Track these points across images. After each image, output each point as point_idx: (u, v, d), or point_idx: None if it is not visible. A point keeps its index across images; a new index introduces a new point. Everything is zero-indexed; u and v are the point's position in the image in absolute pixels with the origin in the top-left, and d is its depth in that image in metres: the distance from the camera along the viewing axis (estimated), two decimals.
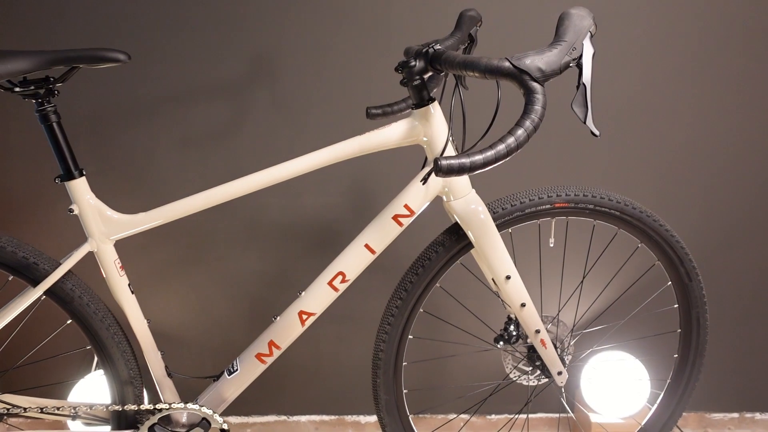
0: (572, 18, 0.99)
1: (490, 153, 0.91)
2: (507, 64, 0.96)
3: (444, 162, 0.89)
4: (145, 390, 1.31)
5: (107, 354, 1.22)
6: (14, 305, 1.15)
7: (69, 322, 1.21)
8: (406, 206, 1.25)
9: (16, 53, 1.05)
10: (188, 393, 1.36)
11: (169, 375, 1.29)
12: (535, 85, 0.94)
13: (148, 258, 1.78)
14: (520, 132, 0.91)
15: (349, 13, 1.66)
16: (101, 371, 2.04)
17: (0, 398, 1.24)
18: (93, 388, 1.80)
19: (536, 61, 0.95)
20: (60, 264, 1.17)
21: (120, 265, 1.21)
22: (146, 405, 1.23)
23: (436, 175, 0.89)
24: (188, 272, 1.83)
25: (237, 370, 1.29)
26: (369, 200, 1.81)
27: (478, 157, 0.90)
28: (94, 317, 1.20)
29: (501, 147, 0.91)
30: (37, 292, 1.15)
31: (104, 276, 1.20)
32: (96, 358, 2.31)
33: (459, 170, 0.91)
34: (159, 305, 1.83)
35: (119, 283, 1.21)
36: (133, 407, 1.22)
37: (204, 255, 1.81)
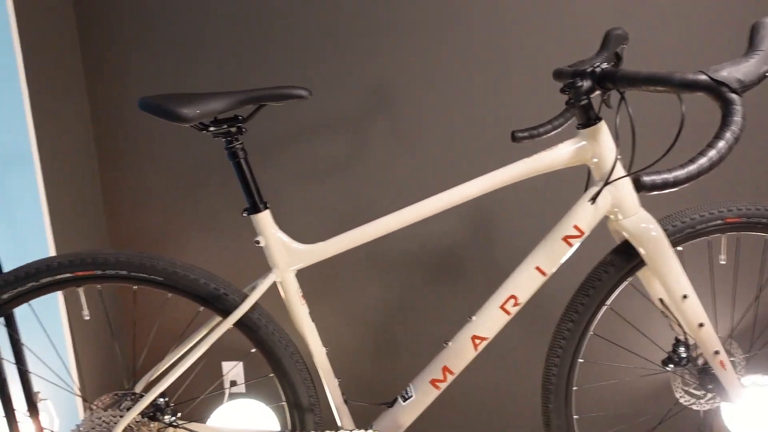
0: (767, 28, 0.98)
1: (692, 167, 0.90)
2: (703, 77, 0.95)
3: (647, 179, 0.88)
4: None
5: (290, 381, 1.25)
6: (209, 336, 1.20)
7: (253, 350, 1.26)
8: (575, 227, 1.24)
9: (214, 95, 1.11)
10: (357, 420, 1.38)
11: (346, 402, 1.31)
12: (734, 96, 0.93)
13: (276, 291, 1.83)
14: (721, 144, 0.90)
15: (467, 39, 1.69)
16: (235, 401, 2.09)
17: (188, 426, 1.29)
18: (226, 418, 1.88)
19: (733, 72, 0.94)
20: (248, 295, 1.21)
21: (301, 293, 1.25)
22: None
23: (638, 192, 0.89)
24: (312, 302, 1.87)
25: (411, 396, 1.30)
26: (489, 225, 1.82)
27: (681, 173, 0.90)
28: (279, 345, 1.24)
29: (703, 161, 0.90)
30: (229, 323, 1.20)
31: (286, 305, 1.25)
32: (227, 392, 2.37)
33: (662, 186, 0.90)
34: None
35: (301, 312, 1.25)
36: None
37: (329, 285, 1.85)
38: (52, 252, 1.74)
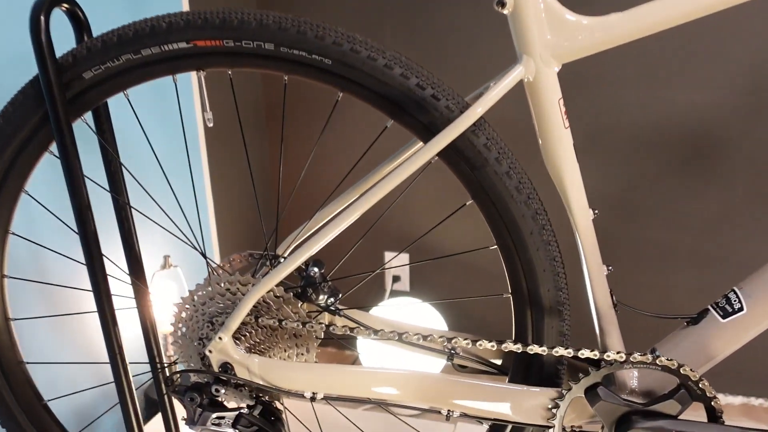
0: None
1: None
2: None
3: None
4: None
5: (527, 259, 0.73)
6: (397, 171, 0.69)
7: (469, 202, 0.75)
8: None
9: None
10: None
11: (615, 306, 0.77)
12: None
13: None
14: None
15: None
16: (397, 299, 1.67)
17: (351, 314, 0.83)
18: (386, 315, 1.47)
19: None
20: (469, 105, 0.69)
21: (564, 109, 0.71)
22: (587, 352, 0.72)
23: None
24: None
25: (740, 309, 0.74)
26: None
27: None
28: (517, 197, 0.71)
29: None
30: (434, 148, 0.68)
31: (537, 124, 0.71)
32: (389, 288, 1.94)
33: None
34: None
35: (563, 139, 0.71)
36: (566, 351, 0.73)
37: (530, 164, 1.32)
38: None
